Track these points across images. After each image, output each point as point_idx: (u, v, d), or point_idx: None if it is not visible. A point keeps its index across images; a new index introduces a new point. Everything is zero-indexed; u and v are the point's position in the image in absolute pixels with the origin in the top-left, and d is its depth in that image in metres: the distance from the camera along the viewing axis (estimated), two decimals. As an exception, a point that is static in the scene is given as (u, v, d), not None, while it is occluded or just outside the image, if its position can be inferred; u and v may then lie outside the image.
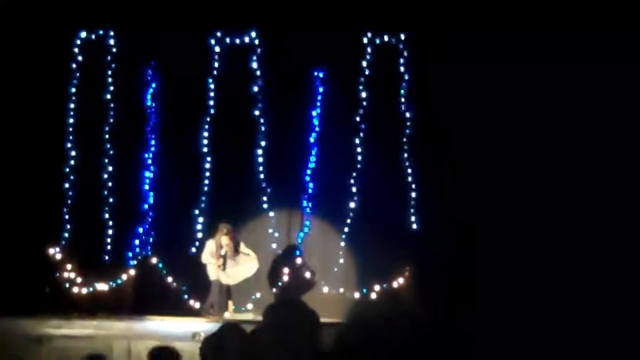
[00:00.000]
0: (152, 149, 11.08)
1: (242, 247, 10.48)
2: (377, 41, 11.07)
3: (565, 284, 8.89)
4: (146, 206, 10.93)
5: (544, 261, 9.43)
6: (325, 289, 10.59)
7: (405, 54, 11.02)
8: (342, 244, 10.84)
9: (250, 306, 10.68)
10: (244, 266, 10.47)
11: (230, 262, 10.35)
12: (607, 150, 9.95)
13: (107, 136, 10.98)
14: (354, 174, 10.88)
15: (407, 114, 10.95)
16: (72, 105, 10.99)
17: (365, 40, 11.05)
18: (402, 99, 10.97)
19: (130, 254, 10.74)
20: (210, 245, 10.42)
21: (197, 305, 10.47)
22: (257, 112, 10.97)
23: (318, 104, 11.07)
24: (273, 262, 10.72)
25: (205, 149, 10.97)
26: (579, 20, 9.91)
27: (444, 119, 10.39)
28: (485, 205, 10.13)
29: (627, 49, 9.77)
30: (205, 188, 10.91)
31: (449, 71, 10.28)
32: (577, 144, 9.99)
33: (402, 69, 11.01)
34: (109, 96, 11.03)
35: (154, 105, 11.15)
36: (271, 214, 10.96)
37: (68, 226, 10.80)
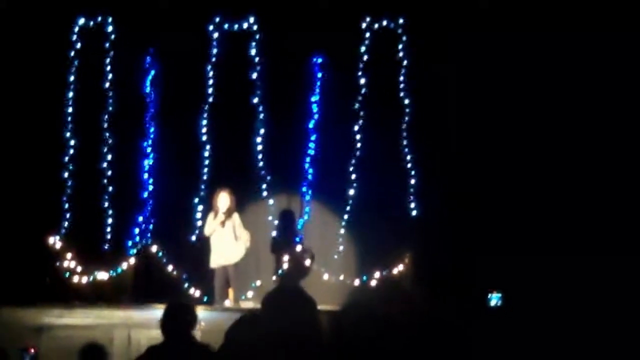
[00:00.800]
0: (151, 136, 11.04)
1: (240, 227, 10.42)
2: (376, 26, 11.00)
3: (565, 270, 8.89)
4: (146, 194, 10.90)
5: (542, 247, 9.42)
6: (326, 276, 10.56)
7: (404, 39, 10.96)
8: (342, 231, 10.81)
9: (250, 294, 10.65)
10: (237, 246, 10.40)
11: (228, 238, 10.30)
12: (598, 140, 9.97)
13: (106, 124, 10.94)
14: (354, 161, 10.84)
15: (406, 100, 10.90)
16: (70, 94, 10.95)
17: (363, 26, 10.99)
18: (401, 85, 10.91)
19: (130, 243, 10.72)
20: (210, 216, 10.40)
21: (197, 293, 10.45)
22: (256, 99, 10.92)
23: (317, 90, 11.02)
24: (273, 244, 10.72)
25: (204, 137, 10.93)
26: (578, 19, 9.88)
27: (442, 105, 10.35)
28: (484, 191, 10.12)
29: (627, 49, 9.74)
30: (205, 176, 10.88)
31: (447, 58, 10.26)
32: (574, 133, 9.99)
33: (400, 54, 10.95)
34: (107, 84, 10.97)
35: (152, 92, 11.10)
36: (271, 201, 10.93)
37: (68, 215, 10.77)
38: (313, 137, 10.94)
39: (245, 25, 11.03)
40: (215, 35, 11.03)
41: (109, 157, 10.89)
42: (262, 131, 10.90)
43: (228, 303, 10.26)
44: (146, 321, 9.20)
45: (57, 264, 10.52)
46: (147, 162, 10.98)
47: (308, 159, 10.90)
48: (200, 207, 10.77)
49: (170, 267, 10.55)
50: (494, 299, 9.41)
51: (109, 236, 10.78)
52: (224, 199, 10.30)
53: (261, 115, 10.92)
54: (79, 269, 10.53)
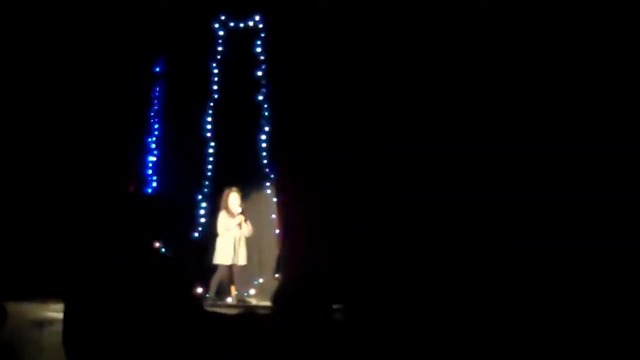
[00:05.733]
0: (156, 133, 11.03)
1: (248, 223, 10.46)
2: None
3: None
4: (149, 191, 10.89)
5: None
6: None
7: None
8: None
9: (252, 292, 10.65)
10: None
11: (240, 239, 10.33)
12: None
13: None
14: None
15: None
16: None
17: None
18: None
19: (133, 238, 10.69)
20: (222, 215, 10.38)
21: (199, 290, 10.41)
22: (260, 97, 10.91)
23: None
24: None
25: (208, 134, 10.92)
26: None
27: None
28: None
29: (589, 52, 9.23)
30: (209, 173, 10.88)
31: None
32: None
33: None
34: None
35: (157, 89, 11.09)
36: (274, 198, 10.91)
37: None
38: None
39: (250, 23, 11.02)
40: (221, 32, 11.02)
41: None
42: (266, 129, 10.88)
43: (230, 300, 10.26)
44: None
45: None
46: (151, 158, 10.97)
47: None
48: (204, 204, 10.76)
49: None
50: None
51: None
52: (234, 199, 10.31)
53: (265, 113, 10.91)
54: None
